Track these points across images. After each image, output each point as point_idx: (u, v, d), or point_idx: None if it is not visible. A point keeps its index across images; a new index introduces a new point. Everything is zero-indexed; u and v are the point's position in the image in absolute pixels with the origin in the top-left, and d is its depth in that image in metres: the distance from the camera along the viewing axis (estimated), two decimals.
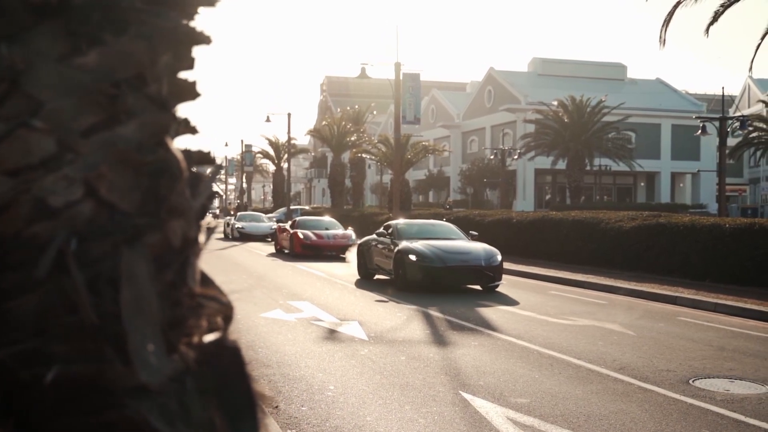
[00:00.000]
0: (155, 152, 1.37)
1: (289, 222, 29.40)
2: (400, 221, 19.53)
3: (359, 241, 19.61)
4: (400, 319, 12.24)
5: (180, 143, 1.53)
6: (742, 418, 6.60)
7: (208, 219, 1.48)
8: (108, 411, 1.26)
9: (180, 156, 1.41)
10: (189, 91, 1.50)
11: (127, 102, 1.35)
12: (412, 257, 15.82)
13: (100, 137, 1.30)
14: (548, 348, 9.65)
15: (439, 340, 10.29)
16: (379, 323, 11.60)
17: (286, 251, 27.42)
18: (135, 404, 1.25)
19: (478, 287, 16.21)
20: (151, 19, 1.38)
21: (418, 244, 16.29)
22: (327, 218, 29.83)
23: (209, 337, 1.39)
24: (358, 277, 18.80)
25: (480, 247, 16.53)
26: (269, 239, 35.89)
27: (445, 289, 15.60)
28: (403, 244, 16.52)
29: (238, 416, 1.35)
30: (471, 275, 15.86)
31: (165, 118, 1.42)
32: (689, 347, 9.94)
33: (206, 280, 1.46)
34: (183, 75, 1.46)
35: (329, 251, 25.87)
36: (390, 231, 17.91)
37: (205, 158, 1.55)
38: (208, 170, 1.64)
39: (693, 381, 7.97)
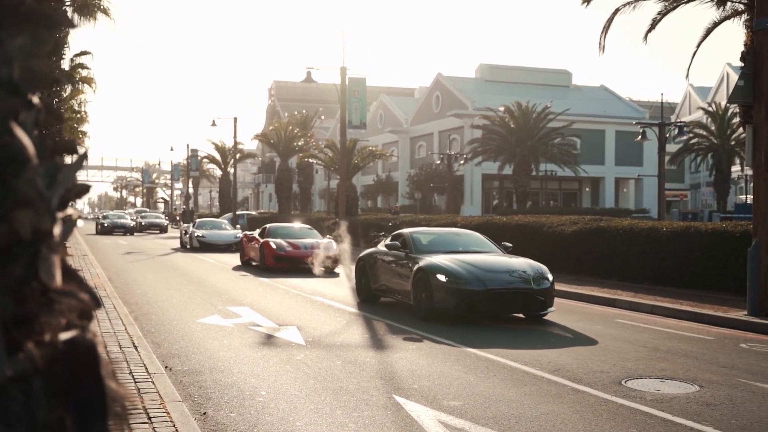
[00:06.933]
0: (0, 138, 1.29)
1: (258, 230, 25.61)
2: (415, 229, 15.65)
3: (361, 254, 15.93)
4: (340, 323, 12.16)
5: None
6: (669, 417, 6.68)
7: (71, 211, 1.40)
8: None
9: (29, 142, 1.33)
10: (46, 76, 1.43)
11: None
12: (441, 277, 12.33)
13: None
14: (485, 351, 9.67)
15: (377, 344, 10.24)
16: (318, 328, 11.51)
17: (255, 263, 23.89)
18: None
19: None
20: None
21: (445, 260, 12.85)
22: (300, 224, 26.62)
23: (65, 335, 1.32)
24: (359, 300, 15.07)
25: (524, 263, 13.17)
26: (234, 248, 31.69)
27: (483, 319, 12.60)
28: (426, 259, 13.01)
29: (91, 416, 1.29)
30: (518, 301, 12.47)
31: (14, 102, 1.34)
32: (624, 348, 10.06)
33: (70, 275, 1.39)
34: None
35: (306, 264, 22.14)
36: (402, 241, 14.27)
37: (67, 147, 1.47)
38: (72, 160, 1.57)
39: (625, 382, 8.06)
